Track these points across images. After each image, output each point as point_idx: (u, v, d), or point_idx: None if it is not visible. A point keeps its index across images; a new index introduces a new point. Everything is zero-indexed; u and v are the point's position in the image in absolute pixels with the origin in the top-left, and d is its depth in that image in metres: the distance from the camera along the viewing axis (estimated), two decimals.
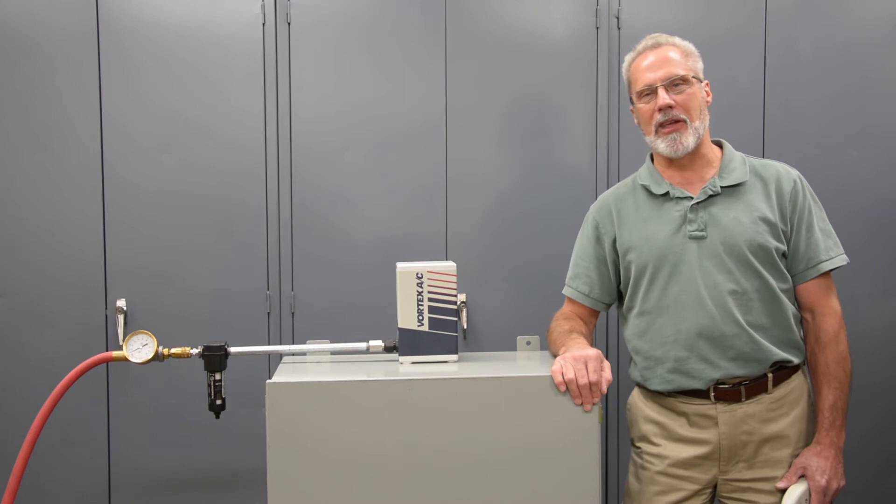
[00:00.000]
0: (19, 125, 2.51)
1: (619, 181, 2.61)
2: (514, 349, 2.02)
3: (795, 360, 1.87)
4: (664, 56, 1.86)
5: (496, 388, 1.66)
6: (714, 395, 1.84)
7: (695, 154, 1.89)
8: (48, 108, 2.52)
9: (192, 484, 2.59)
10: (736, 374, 1.83)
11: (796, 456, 1.85)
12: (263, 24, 2.57)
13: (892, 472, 2.73)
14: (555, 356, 1.81)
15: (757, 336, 1.81)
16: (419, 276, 1.80)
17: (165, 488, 2.58)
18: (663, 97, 1.83)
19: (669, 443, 1.88)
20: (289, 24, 2.58)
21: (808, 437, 1.88)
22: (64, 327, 2.53)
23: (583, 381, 1.63)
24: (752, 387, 1.84)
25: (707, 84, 1.92)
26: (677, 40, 1.90)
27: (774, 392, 1.85)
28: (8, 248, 2.52)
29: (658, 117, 1.85)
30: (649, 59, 1.87)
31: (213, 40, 2.56)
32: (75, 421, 2.53)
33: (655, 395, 1.92)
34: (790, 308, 1.86)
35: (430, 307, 1.81)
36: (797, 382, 1.89)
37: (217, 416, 1.94)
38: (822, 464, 1.80)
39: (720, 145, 1.96)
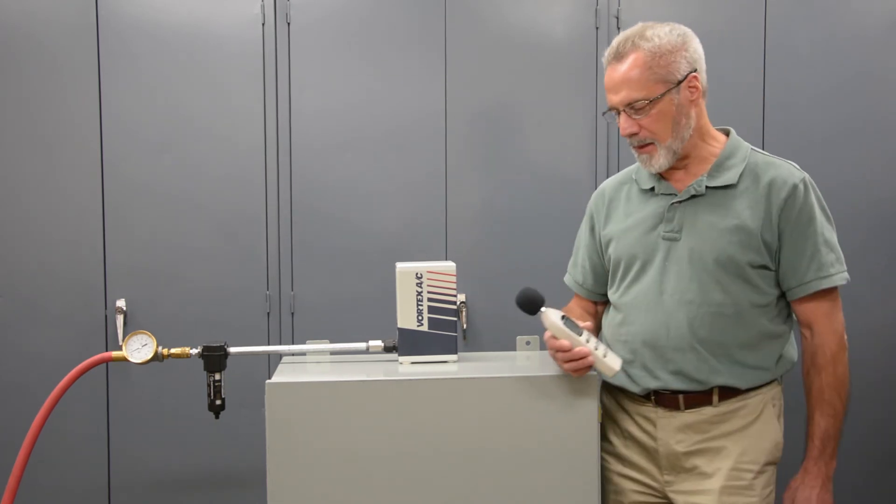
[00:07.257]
0: (19, 125, 2.51)
1: None
2: (514, 349, 2.01)
3: (742, 387, 1.69)
4: (623, 75, 1.65)
5: (496, 388, 1.66)
6: (655, 400, 1.74)
7: (684, 156, 1.72)
8: (48, 108, 2.52)
9: (192, 484, 2.59)
10: (675, 388, 1.70)
11: (736, 470, 1.67)
12: (263, 24, 2.57)
13: (892, 472, 2.73)
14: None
15: (705, 353, 1.67)
16: (419, 276, 1.80)
17: (165, 488, 2.58)
18: (623, 126, 1.67)
19: (619, 440, 1.81)
20: (288, 23, 2.58)
21: (757, 454, 1.70)
22: (64, 327, 2.53)
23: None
24: (693, 398, 1.70)
25: (693, 77, 1.66)
26: (645, 43, 1.64)
27: (720, 406, 1.70)
28: (8, 247, 2.52)
29: (628, 139, 1.71)
30: (609, 73, 1.68)
31: (213, 40, 2.56)
32: (75, 421, 2.53)
33: (613, 390, 1.83)
34: (763, 326, 1.69)
35: (429, 307, 1.80)
36: (754, 400, 1.71)
37: (217, 416, 1.94)
38: (808, 494, 1.68)
39: (727, 133, 1.77)
